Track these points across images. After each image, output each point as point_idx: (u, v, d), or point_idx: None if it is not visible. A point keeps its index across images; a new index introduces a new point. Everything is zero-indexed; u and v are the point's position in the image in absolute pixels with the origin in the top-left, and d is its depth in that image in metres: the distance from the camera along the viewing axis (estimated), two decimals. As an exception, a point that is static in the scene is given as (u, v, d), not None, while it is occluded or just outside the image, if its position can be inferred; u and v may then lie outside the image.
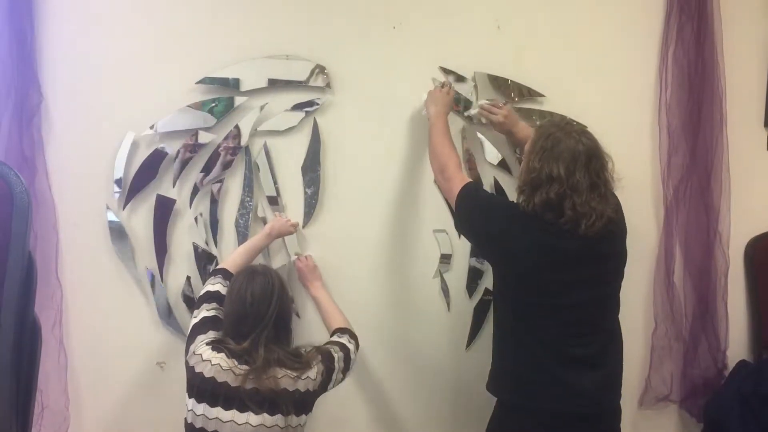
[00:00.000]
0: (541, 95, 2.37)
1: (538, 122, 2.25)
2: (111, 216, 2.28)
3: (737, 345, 2.50)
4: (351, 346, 2.00)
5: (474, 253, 2.38)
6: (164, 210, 2.29)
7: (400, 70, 2.33)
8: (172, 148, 2.27)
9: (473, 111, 2.33)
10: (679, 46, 2.39)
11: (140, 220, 2.30)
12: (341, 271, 2.35)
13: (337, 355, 1.91)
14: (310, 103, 2.30)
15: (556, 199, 1.79)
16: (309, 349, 1.88)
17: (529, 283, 1.88)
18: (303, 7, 2.29)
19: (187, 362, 1.83)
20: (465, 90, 2.34)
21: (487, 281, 2.38)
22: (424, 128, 2.28)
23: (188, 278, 2.32)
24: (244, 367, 1.76)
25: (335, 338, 2.02)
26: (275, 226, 2.25)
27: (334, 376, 1.89)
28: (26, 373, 1.88)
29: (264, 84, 2.28)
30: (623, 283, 1.99)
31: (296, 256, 2.31)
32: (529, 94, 2.36)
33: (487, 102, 2.29)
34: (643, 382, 2.48)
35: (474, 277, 2.40)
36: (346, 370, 1.94)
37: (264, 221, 2.31)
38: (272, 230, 2.24)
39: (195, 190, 2.30)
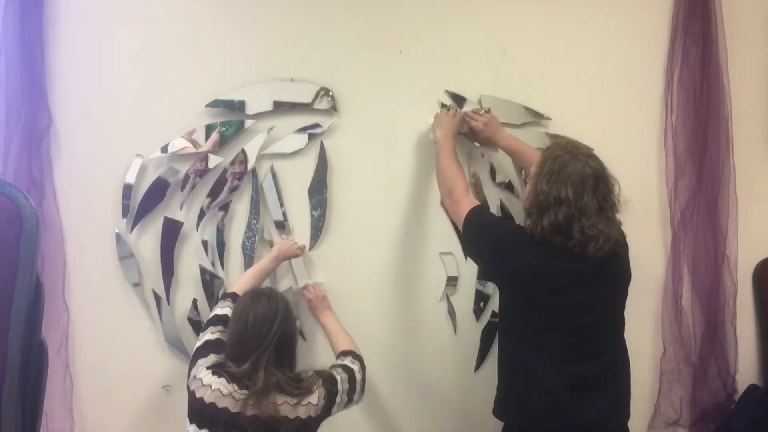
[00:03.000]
0: (547, 118, 2.38)
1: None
2: (118, 238, 2.28)
3: (747, 369, 2.48)
4: (355, 367, 1.97)
5: (480, 276, 2.38)
6: (171, 232, 2.29)
7: (406, 94, 2.35)
8: (180, 170, 2.28)
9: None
10: (684, 70, 2.40)
11: (147, 243, 2.30)
12: (347, 294, 2.34)
13: (340, 377, 1.89)
14: (317, 126, 2.31)
15: (565, 222, 1.79)
16: (310, 374, 1.85)
17: (535, 305, 1.87)
18: (311, 31, 2.32)
19: (188, 386, 1.81)
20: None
21: (494, 304, 2.37)
22: (430, 151, 2.29)
23: (195, 301, 2.31)
24: (244, 391, 1.73)
25: (338, 361, 2.00)
26: (282, 249, 2.25)
27: (337, 399, 1.86)
28: (32, 397, 1.88)
29: (270, 107, 2.30)
30: (630, 307, 1.98)
31: (305, 285, 2.31)
32: (535, 117, 2.37)
33: (470, 110, 2.31)
34: (653, 407, 2.45)
35: (481, 300, 2.39)
36: (352, 392, 1.91)
37: (271, 244, 2.32)
38: (279, 253, 2.24)
39: (202, 213, 2.30)
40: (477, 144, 2.35)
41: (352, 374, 1.93)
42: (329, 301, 2.30)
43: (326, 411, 1.83)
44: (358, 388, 1.95)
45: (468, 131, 2.32)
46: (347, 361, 1.98)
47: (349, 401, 1.92)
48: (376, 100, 2.34)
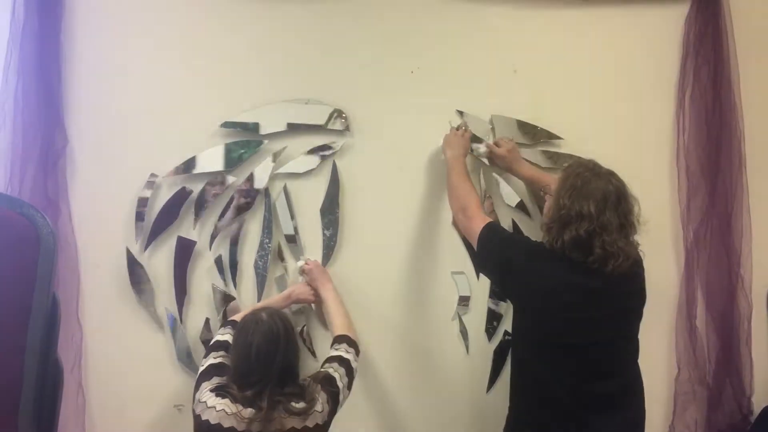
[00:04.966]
0: (559, 138, 2.38)
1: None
2: (132, 257, 2.29)
3: (763, 391, 2.45)
4: (350, 356, 1.97)
5: (492, 295, 2.37)
6: (185, 251, 2.30)
7: (418, 114, 2.36)
8: (193, 190, 2.30)
9: (481, 149, 2.34)
10: (696, 89, 2.41)
11: (161, 262, 2.31)
12: (359, 312, 2.32)
13: (338, 373, 1.90)
14: (329, 147, 2.33)
15: (586, 237, 1.79)
16: (308, 382, 1.84)
17: (551, 321, 1.86)
18: (323, 52, 2.34)
19: (193, 410, 1.82)
20: (482, 132, 2.37)
21: (507, 324, 2.36)
22: (441, 171, 2.30)
23: (207, 320, 2.32)
24: (249, 410, 1.74)
25: (332, 352, 1.99)
26: (296, 291, 2.26)
27: (340, 397, 1.88)
28: (48, 415, 1.89)
29: (283, 128, 2.31)
30: (644, 327, 1.96)
31: (302, 263, 2.29)
32: (547, 136, 2.38)
33: (496, 138, 2.33)
34: (667, 428, 2.43)
35: (493, 319, 2.39)
36: (350, 384, 1.93)
37: (282, 261, 2.33)
38: (292, 294, 2.25)
39: (215, 232, 2.31)
40: (488, 163, 2.36)
41: (349, 366, 1.95)
42: (329, 275, 2.29)
43: (332, 412, 1.85)
44: (355, 375, 1.96)
45: (484, 154, 2.33)
46: (341, 352, 1.98)
47: (349, 393, 1.93)
48: (389, 120, 2.36)
